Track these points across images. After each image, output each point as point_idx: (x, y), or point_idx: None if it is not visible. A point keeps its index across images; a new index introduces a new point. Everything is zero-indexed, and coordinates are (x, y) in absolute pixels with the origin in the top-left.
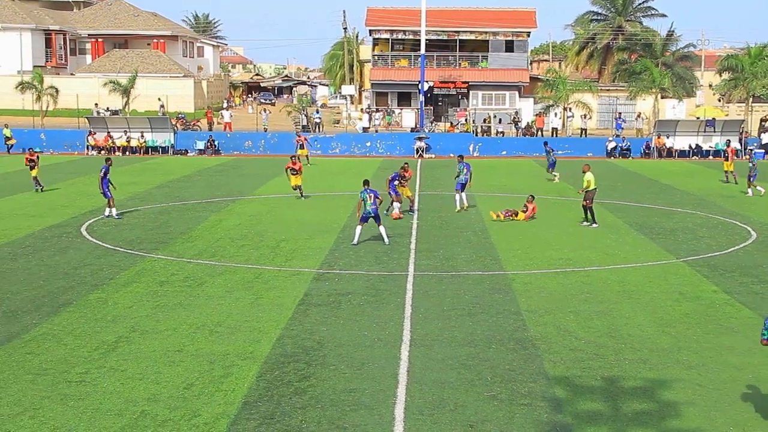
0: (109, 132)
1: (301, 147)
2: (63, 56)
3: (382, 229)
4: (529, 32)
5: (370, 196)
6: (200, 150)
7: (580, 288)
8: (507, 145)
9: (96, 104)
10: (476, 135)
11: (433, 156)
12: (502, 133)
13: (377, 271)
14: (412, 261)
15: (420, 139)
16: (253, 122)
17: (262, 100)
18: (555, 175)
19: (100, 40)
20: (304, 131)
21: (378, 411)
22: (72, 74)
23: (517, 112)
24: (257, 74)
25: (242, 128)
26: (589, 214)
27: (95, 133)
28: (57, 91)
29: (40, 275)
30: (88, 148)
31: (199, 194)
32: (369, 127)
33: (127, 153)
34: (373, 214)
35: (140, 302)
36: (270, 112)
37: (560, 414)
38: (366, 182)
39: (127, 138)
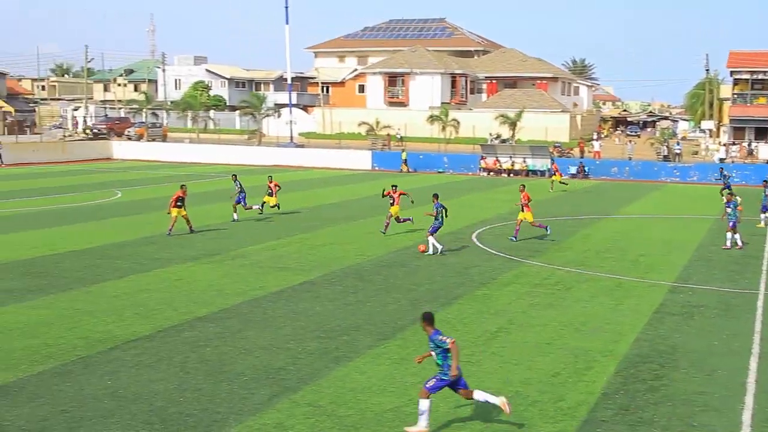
0: (497, 157)
1: (555, 173)
2: (464, 94)
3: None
4: None
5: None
6: (572, 174)
7: None
8: None
9: (490, 133)
10: None
11: None
12: None
13: (729, 288)
14: (764, 280)
15: None
16: (619, 151)
17: (629, 133)
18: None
19: (493, 81)
20: (665, 160)
21: (726, 415)
22: (470, 109)
23: None
24: (624, 110)
25: (610, 156)
26: None
27: (486, 158)
28: (458, 122)
29: (439, 272)
30: (480, 170)
31: (570, 212)
32: (725, 158)
33: (511, 175)
34: None
35: (517, 300)
36: (635, 143)
37: None
38: None
39: (512, 162)
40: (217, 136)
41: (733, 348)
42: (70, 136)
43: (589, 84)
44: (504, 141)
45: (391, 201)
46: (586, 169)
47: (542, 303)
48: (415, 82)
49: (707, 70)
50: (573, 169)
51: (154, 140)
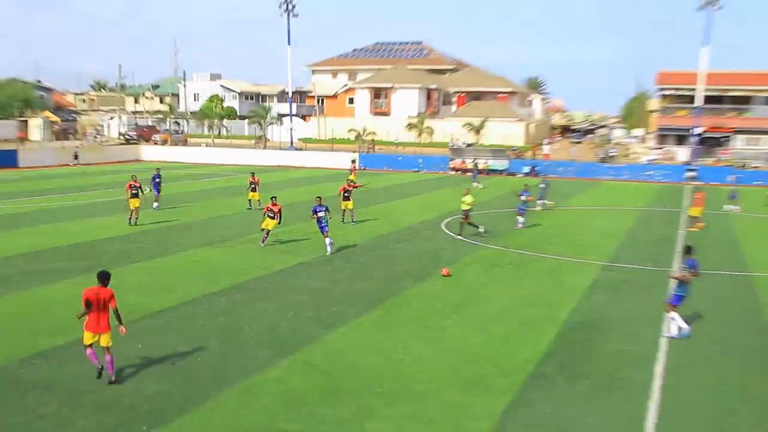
0: (463, 159)
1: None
2: (437, 106)
3: None
4: None
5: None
6: (526, 173)
7: None
8: (761, 176)
9: (451, 138)
10: (736, 168)
11: (701, 183)
12: (757, 167)
13: (650, 267)
14: (677, 261)
15: (690, 170)
16: (566, 154)
17: (573, 139)
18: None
19: (462, 94)
20: (601, 162)
21: (643, 368)
22: (442, 118)
23: None
24: (570, 119)
25: (557, 158)
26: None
27: (454, 159)
28: (432, 129)
29: (413, 255)
30: (449, 169)
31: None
32: (651, 160)
33: (474, 173)
34: None
35: (478, 277)
36: (578, 148)
37: None
38: None
39: (475, 163)
40: (229, 141)
41: (650, 315)
42: (106, 141)
43: (542, 97)
44: (470, 145)
45: (346, 195)
46: (537, 168)
47: (498, 279)
48: (397, 95)
49: (639, 86)
50: (527, 169)
51: (176, 145)
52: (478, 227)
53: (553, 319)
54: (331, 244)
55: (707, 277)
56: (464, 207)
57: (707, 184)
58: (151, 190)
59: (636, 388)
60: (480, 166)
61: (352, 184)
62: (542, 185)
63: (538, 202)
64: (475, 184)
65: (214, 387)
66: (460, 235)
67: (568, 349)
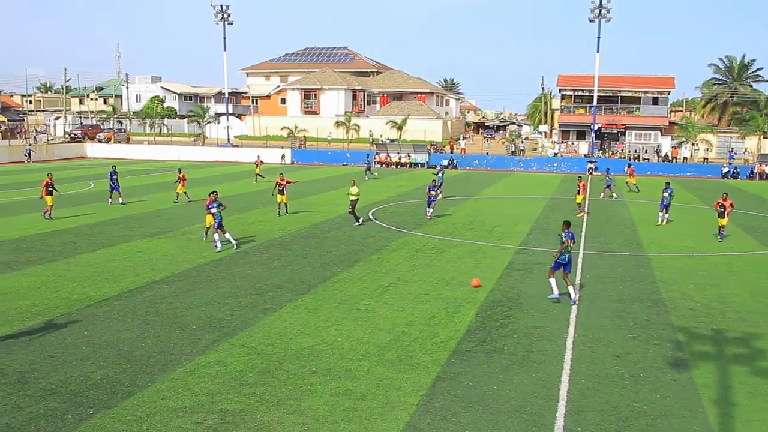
0: (387, 153)
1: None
2: (363, 105)
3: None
4: (669, 91)
5: (567, 241)
6: (444, 165)
7: (698, 267)
8: (651, 168)
9: (380, 135)
10: (630, 160)
11: (600, 173)
12: (647, 159)
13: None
14: (582, 243)
15: (591, 162)
16: (479, 148)
17: (486, 135)
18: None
19: (385, 95)
20: (512, 155)
21: (555, 342)
22: (367, 116)
23: (659, 146)
24: (483, 117)
25: (472, 152)
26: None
27: (379, 153)
28: (358, 127)
29: (343, 242)
30: (376, 164)
31: (444, 194)
32: (557, 153)
33: (398, 167)
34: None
35: (403, 262)
36: (490, 142)
37: (681, 352)
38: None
39: (399, 157)
40: (170, 139)
41: (560, 293)
42: (52, 139)
43: (457, 97)
44: (393, 141)
45: (281, 188)
46: (455, 161)
47: (422, 264)
48: (325, 96)
49: (542, 87)
50: (445, 162)
51: (119, 142)
52: (358, 219)
53: (472, 299)
54: (228, 240)
55: (608, 257)
56: (351, 198)
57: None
58: (112, 190)
59: (550, 360)
60: (404, 160)
61: (285, 179)
62: (439, 174)
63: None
64: (366, 178)
65: (158, 371)
66: (358, 221)
67: (487, 327)
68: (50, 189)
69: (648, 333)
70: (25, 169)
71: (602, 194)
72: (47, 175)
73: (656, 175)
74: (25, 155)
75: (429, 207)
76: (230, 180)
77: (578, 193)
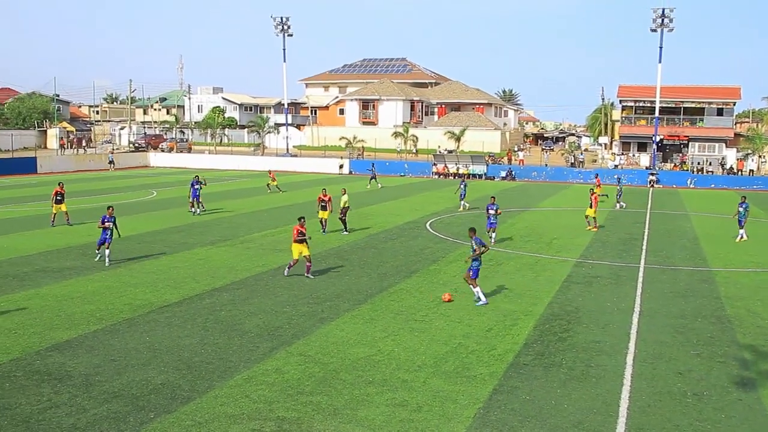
0: (445, 164)
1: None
2: (420, 116)
3: None
4: (735, 102)
5: (479, 248)
6: (503, 177)
7: (766, 284)
8: (715, 180)
9: (438, 146)
10: (693, 173)
11: (661, 186)
12: (711, 171)
13: (618, 263)
14: (643, 257)
15: (652, 174)
16: (538, 159)
17: (544, 146)
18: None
19: (443, 105)
20: (571, 167)
21: (615, 357)
22: (425, 127)
23: (723, 158)
24: (542, 128)
25: (531, 163)
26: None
27: (437, 164)
28: (416, 138)
29: (401, 253)
30: (432, 174)
31: (501, 205)
32: (617, 165)
33: (455, 177)
34: None
35: (460, 273)
36: (549, 154)
37: (747, 371)
38: None
39: (457, 168)
40: (230, 149)
41: (620, 307)
42: (117, 148)
43: (516, 108)
44: (450, 152)
45: (323, 205)
46: (513, 173)
47: (480, 275)
48: (383, 107)
49: (602, 98)
50: (503, 173)
51: (181, 152)
52: (345, 227)
53: (530, 311)
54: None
55: (670, 272)
56: (343, 206)
57: (666, 187)
58: (190, 198)
59: (609, 376)
60: (461, 171)
61: (327, 195)
62: (462, 185)
63: (461, 202)
64: (369, 186)
65: (217, 377)
66: (345, 230)
67: (545, 340)
68: (58, 198)
69: (712, 350)
70: (109, 176)
71: (617, 205)
72: (58, 184)
73: (720, 187)
74: (109, 162)
75: (489, 231)
76: (291, 189)
77: (590, 207)
